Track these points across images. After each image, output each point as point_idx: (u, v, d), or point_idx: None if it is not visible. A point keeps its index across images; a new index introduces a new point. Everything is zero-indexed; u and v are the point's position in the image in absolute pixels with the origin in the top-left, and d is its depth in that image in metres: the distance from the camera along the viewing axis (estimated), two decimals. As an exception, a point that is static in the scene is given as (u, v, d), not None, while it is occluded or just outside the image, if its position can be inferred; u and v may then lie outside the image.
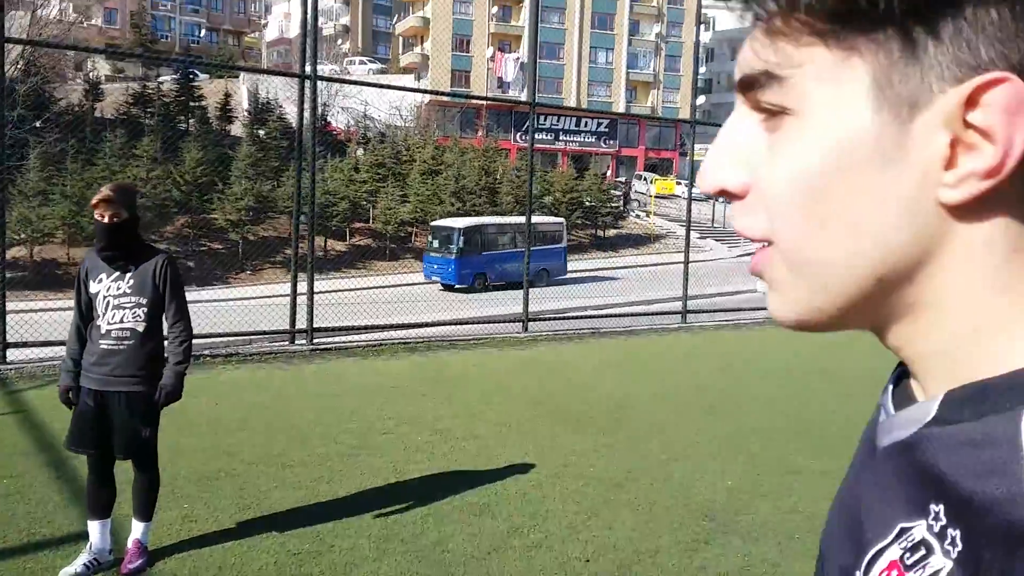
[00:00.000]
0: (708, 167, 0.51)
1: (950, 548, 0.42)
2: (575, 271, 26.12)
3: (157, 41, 51.19)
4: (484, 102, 42.57)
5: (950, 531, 0.42)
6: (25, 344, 8.37)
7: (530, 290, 11.89)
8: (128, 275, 3.85)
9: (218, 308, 10.87)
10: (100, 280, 3.85)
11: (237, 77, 46.32)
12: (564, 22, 53.72)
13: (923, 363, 0.49)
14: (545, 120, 50.06)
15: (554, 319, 12.98)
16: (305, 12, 9.56)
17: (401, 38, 60.98)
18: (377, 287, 23.83)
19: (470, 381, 8.70)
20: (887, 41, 0.44)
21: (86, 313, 3.90)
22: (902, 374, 0.55)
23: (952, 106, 0.43)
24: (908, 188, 0.45)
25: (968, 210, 0.44)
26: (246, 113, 38.87)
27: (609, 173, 49.00)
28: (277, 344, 9.87)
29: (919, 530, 0.45)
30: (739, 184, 0.50)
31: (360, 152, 36.37)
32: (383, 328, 11.21)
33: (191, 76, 39.02)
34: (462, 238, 24.10)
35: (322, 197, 30.07)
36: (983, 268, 0.45)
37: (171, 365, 3.96)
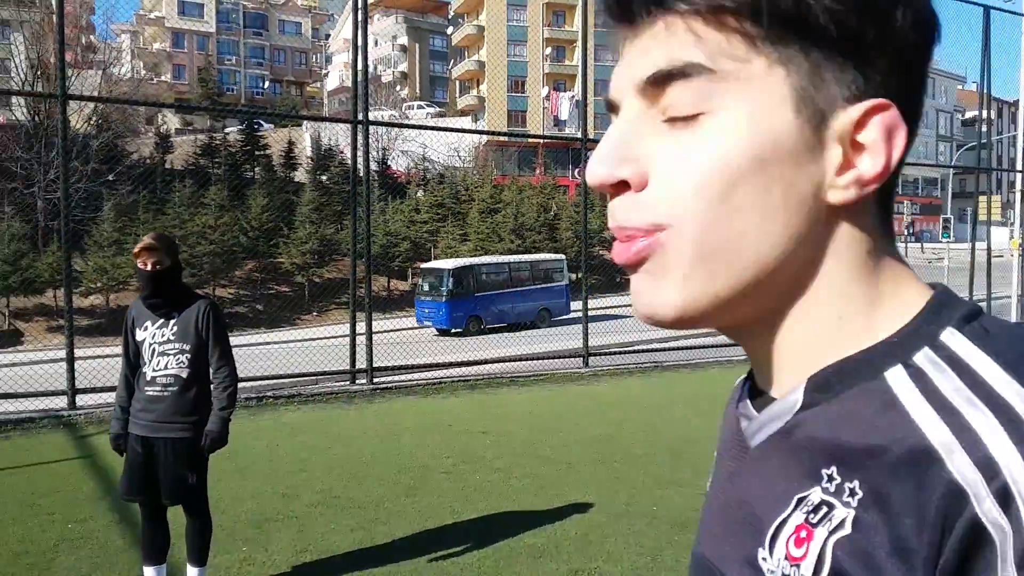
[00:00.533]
0: (604, 159, 0.53)
1: (849, 499, 0.48)
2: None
3: (223, 94, 53.04)
4: (540, 140, 42.84)
5: (847, 484, 0.48)
6: (93, 390, 8.55)
7: (585, 325, 11.74)
8: (172, 322, 3.86)
9: (284, 349, 11.02)
10: (145, 327, 3.86)
11: (300, 125, 47.58)
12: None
13: (784, 357, 0.55)
14: (602, 155, 49.97)
15: (616, 353, 12.80)
16: (356, 62, 9.74)
17: (457, 82, 61.98)
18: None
19: (530, 418, 8.58)
20: (809, 54, 0.50)
21: (133, 360, 3.92)
22: (750, 384, 0.61)
23: (847, 124, 0.51)
24: (811, 184, 0.51)
25: (844, 210, 0.52)
26: (309, 160, 39.82)
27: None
28: (339, 384, 9.91)
29: (815, 494, 0.50)
30: (635, 173, 0.53)
31: (420, 193, 36.86)
32: (442, 366, 11.18)
33: (256, 126, 40.19)
34: (451, 279, 23.17)
35: (384, 238, 30.53)
36: (848, 262, 0.53)
37: (216, 411, 3.92)
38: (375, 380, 9.93)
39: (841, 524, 0.48)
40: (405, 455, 6.92)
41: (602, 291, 28.74)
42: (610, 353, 12.68)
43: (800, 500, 0.51)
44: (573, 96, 52.23)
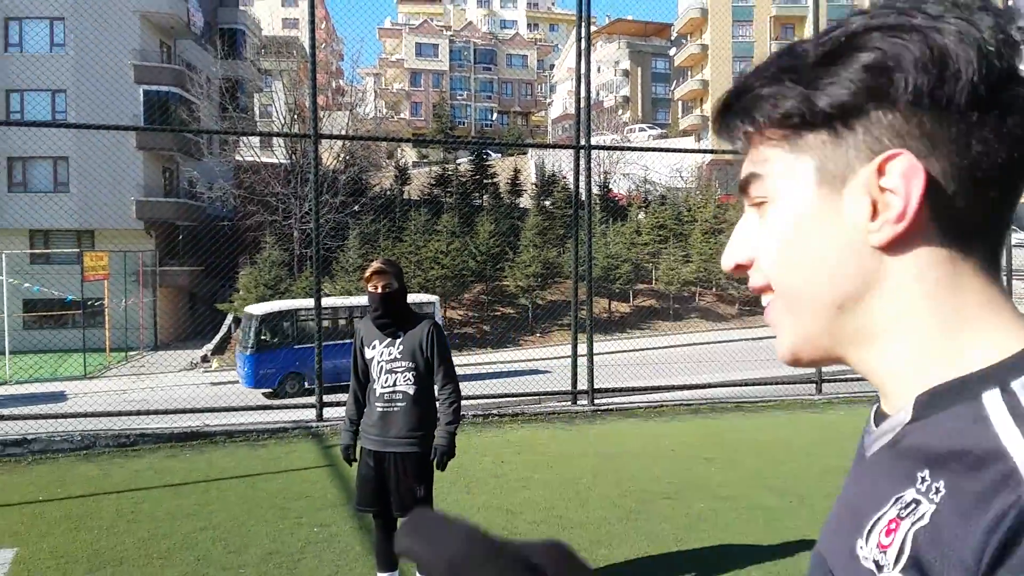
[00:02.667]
0: (727, 253, 0.71)
1: (934, 496, 0.56)
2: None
3: (455, 127, 55.92)
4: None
5: (935, 484, 0.56)
6: (338, 404, 9.21)
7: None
8: (399, 341, 4.07)
9: (510, 369, 11.33)
10: (374, 346, 4.09)
11: (525, 153, 49.11)
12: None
13: (886, 383, 0.65)
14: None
15: (851, 380, 11.95)
16: (579, 90, 9.90)
17: (680, 103, 61.27)
18: (660, 348, 23.60)
19: (757, 446, 8.20)
20: (822, 138, 0.63)
21: (362, 378, 4.17)
22: (878, 405, 0.69)
23: (868, 175, 0.61)
24: (846, 235, 0.63)
25: (897, 249, 0.62)
26: (533, 186, 40.94)
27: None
28: (561, 404, 10.01)
29: (910, 493, 0.58)
30: (746, 257, 0.70)
31: (641, 215, 36.70)
32: (664, 389, 10.98)
33: (484, 156, 41.98)
34: (260, 327, 19.02)
35: (605, 260, 30.68)
36: (917, 297, 0.62)
37: (443, 426, 4.11)
38: (596, 401, 9.94)
39: (922, 516, 0.56)
40: (627, 478, 6.85)
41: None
42: (845, 380, 11.87)
43: (897, 499, 0.60)
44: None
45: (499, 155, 48.77)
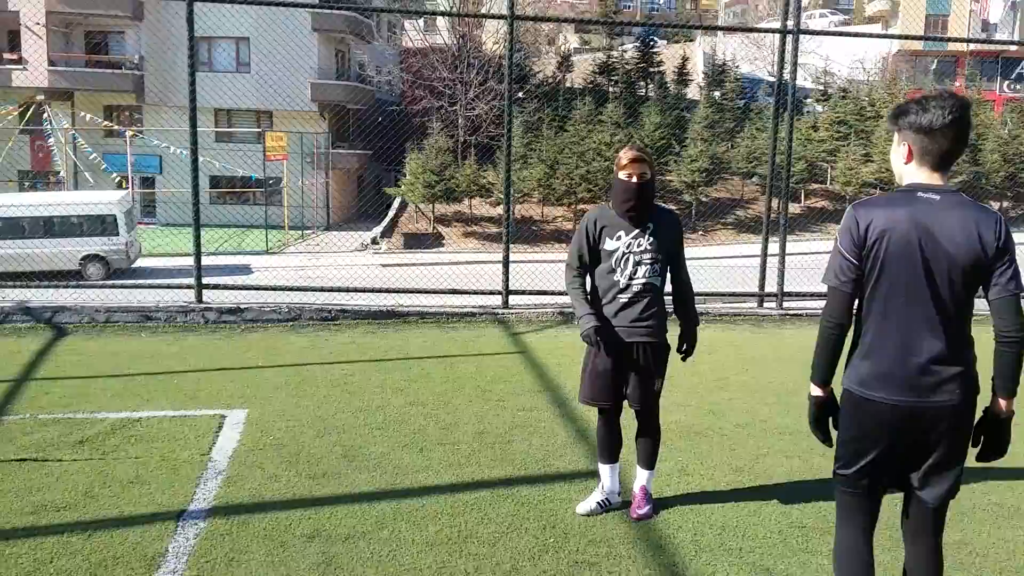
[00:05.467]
0: None
1: None
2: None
3: (620, 11, 53.88)
4: (964, 47, 37.62)
5: None
6: (522, 292, 9.30)
7: None
8: (648, 232, 3.92)
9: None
10: (619, 237, 3.93)
11: (693, 40, 46.83)
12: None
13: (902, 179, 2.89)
14: (1043, 65, 42.60)
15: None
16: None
17: (867, -15, 56.29)
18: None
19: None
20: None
21: (586, 266, 4.03)
22: None
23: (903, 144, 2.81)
24: (901, 158, 2.80)
25: (907, 161, 2.76)
26: (702, 76, 39.15)
27: None
28: (746, 306, 9.71)
29: None
30: None
31: (819, 109, 34.52)
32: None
33: (651, 43, 40.31)
34: None
35: (777, 158, 29.19)
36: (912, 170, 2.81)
37: (690, 320, 4.09)
38: (784, 304, 9.57)
39: None
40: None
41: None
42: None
43: None
44: (1011, -5, 44.82)
45: (665, 42, 46.75)
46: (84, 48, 33.99)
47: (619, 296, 3.93)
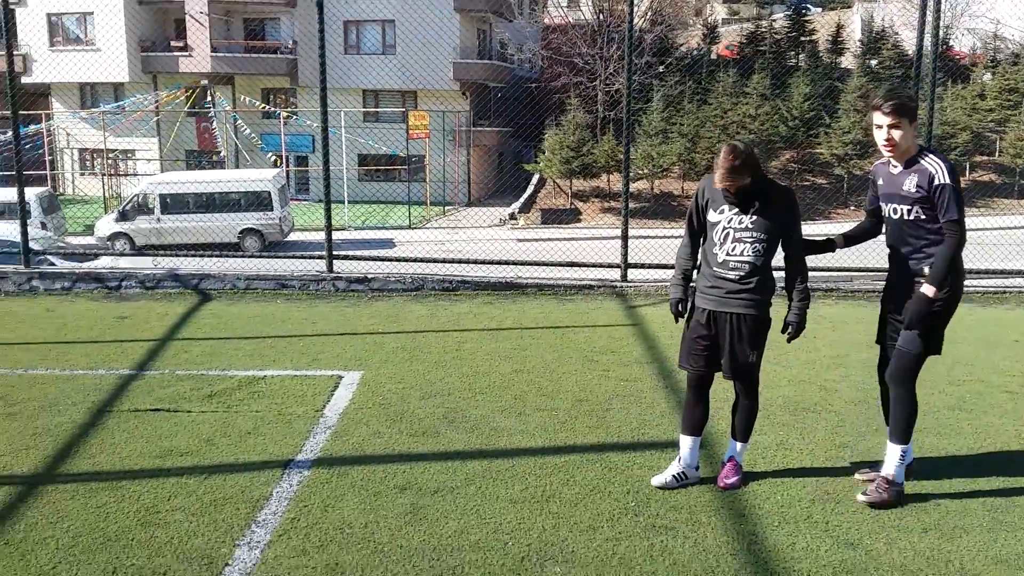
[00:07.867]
0: None
1: None
2: None
3: (771, -21, 51.68)
4: None
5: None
6: (641, 265, 9.24)
7: None
8: (751, 211, 3.82)
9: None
10: (721, 211, 3.86)
11: (850, 7, 44.40)
12: None
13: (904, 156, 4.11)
14: None
15: None
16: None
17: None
18: (999, 228, 20.95)
19: None
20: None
21: (697, 232, 4.02)
22: None
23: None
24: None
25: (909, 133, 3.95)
26: (858, 44, 37.08)
27: None
28: (876, 282, 9.23)
29: None
30: None
31: (987, 77, 31.99)
32: (1006, 274, 9.69)
33: (804, 11, 38.55)
34: None
35: (939, 128, 27.36)
36: (911, 140, 3.99)
37: (797, 301, 3.94)
38: (923, 282, 9.04)
39: None
40: (959, 367, 6.20)
41: None
42: None
43: None
44: None
45: (819, 9, 44.55)
46: (243, 34, 36.07)
47: (716, 269, 3.88)
